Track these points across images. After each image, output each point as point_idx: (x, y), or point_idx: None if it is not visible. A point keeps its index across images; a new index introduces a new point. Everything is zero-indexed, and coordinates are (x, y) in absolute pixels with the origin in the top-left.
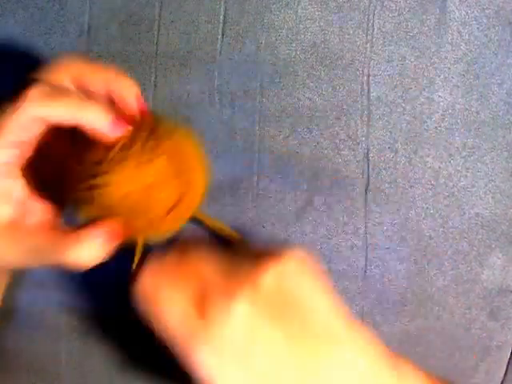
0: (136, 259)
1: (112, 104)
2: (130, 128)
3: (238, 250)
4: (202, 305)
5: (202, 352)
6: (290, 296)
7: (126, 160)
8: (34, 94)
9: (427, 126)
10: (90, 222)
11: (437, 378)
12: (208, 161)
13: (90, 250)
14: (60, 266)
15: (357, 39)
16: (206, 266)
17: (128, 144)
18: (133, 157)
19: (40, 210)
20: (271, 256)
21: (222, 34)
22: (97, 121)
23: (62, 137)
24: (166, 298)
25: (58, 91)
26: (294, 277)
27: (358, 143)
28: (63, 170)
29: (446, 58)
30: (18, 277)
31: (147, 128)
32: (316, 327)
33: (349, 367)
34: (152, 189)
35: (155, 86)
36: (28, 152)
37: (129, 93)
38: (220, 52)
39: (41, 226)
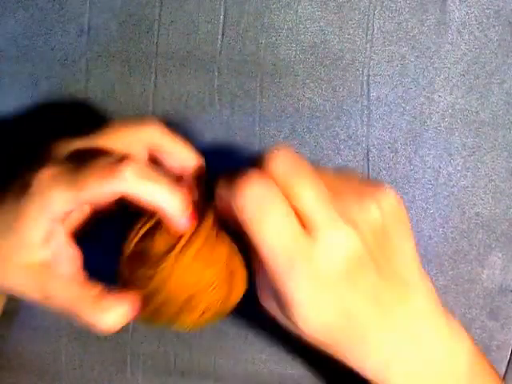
0: None
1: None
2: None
3: (338, 174)
4: (311, 222)
5: (302, 270)
6: (388, 234)
7: (195, 255)
8: (129, 171)
9: (427, 126)
10: (119, 289)
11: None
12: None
13: (117, 315)
14: (79, 319)
15: (357, 39)
16: (318, 184)
17: (199, 239)
18: (201, 253)
19: (75, 262)
20: (374, 189)
21: (222, 34)
22: (177, 213)
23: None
24: (274, 210)
25: (151, 171)
26: (395, 215)
27: (358, 143)
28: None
29: (445, 58)
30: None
31: (214, 225)
32: (402, 270)
33: (420, 315)
34: (209, 288)
35: (155, 86)
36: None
37: (199, 177)
38: (220, 52)
39: (73, 276)
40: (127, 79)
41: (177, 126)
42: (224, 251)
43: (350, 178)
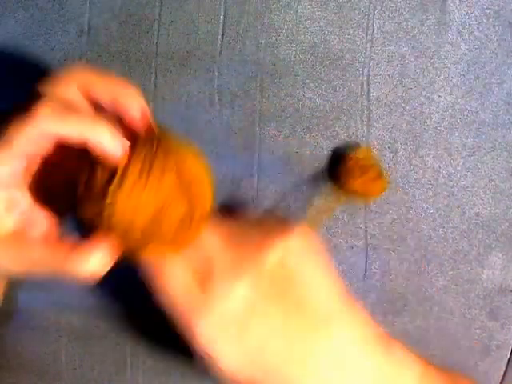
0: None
1: (117, 117)
2: (134, 144)
3: (243, 222)
4: (205, 279)
5: (202, 324)
6: (291, 272)
7: (136, 180)
8: (45, 109)
9: (427, 126)
10: (92, 236)
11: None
12: (211, 172)
13: (96, 261)
14: (64, 275)
15: (357, 39)
16: (210, 239)
17: (136, 162)
18: (142, 176)
19: (44, 222)
20: (276, 232)
21: (222, 34)
22: (105, 141)
23: (68, 149)
24: (169, 270)
25: (70, 108)
26: (297, 253)
27: (358, 143)
28: (70, 183)
29: (445, 58)
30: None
31: (153, 144)
32: (313, 304)
33: (337, 347)
34: (163, 208)
35: (155, 85)
36: (34, 164)
37: (134, 105)
38: (220, 52)
39: (45, 237)
40: (127, 79)
41: (177, 126)
42: (170, 167)
43: (255, 221)
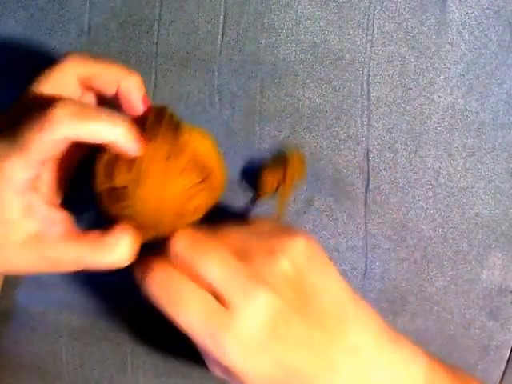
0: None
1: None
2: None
3: (248, 228)
4: (223, 296)
5: (227, 341)
6: (305, 278)
7: (156, 169)
8: (62, 113)
9: (427, 126)
10: (115, 225)
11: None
12: (220, 152)
13: (123, 248)
14: (91, 267)
15: (357, 39)
16: (220, 252)
17: (154, 151)
18: (161, 164)
19: (61, 219)
20: (283, 236)
21: (222, 34)
22: (122, 140)
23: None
24: (184, 292)
25: (86, 111)
26: (307, 256)
27: (358, 143)
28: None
29: (446, 58)
30: (17, 277)
31: (164, 130)
32: (329, 306)
33: (355, 346)
34: (181, 196)
35: (155, 85)
36: (52, 166)
37: (136, 92)
38: (220, 52)
39: (65, 233)
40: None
41: None
42: (187, 156)
43: (258, 231)
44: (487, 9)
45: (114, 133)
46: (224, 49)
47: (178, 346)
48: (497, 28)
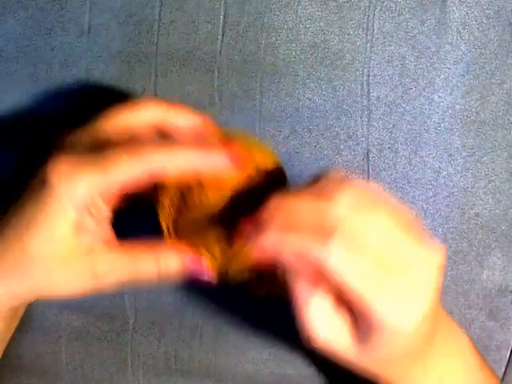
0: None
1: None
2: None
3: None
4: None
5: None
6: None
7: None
8: (153, 145)
9: (427, 126)
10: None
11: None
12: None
13: (176, 260)
14: (140, 277)
15: (357, 39)
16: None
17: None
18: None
19: (108, 232)
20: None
21: (222, 34)
22: (221, 164)
23: None
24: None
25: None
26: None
27: (358, 143)
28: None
29: (445, 58)
30: None
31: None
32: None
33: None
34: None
35: (155, 86)
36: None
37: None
38: (220, 52)
39: (115, 246)
40: (127, 79)
41: None
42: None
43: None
44: (487, 9)
45: (209, 159)
46: (224, 49)
47: (177, 346)
48: (497, 28)
